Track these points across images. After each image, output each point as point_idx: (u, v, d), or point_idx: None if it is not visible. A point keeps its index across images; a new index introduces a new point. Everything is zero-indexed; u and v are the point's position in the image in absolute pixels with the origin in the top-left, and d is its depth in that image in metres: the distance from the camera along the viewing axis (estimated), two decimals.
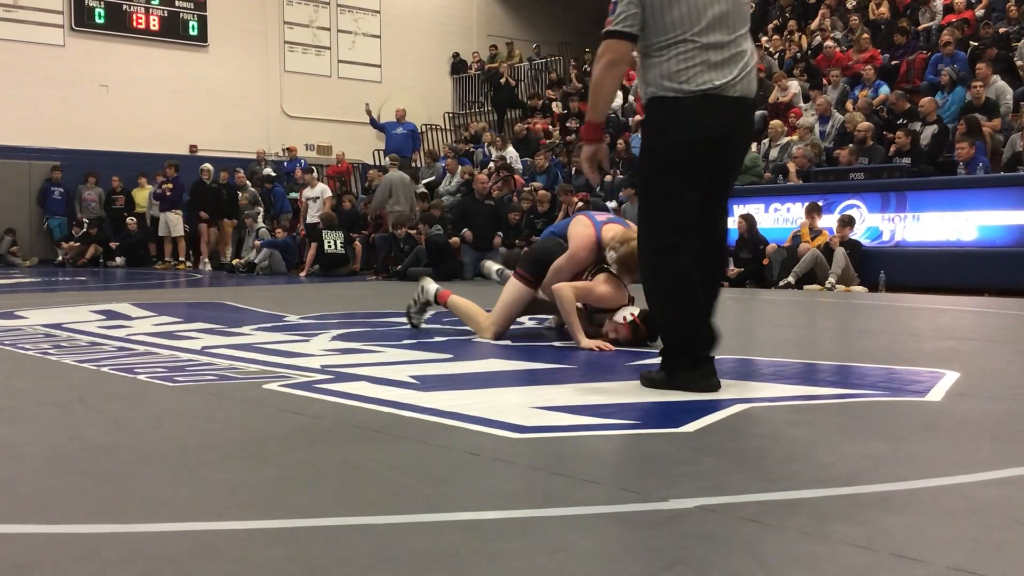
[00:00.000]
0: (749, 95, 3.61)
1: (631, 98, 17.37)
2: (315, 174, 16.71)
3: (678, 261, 3.54)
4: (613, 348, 4.93)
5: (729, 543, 1.84)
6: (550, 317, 5.95)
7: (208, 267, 17.09)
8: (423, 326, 5.90)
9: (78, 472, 2.43)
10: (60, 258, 17.82)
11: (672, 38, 3.49)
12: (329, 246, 14.34)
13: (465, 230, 13.48)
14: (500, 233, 13.48)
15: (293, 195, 17.65)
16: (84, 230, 17.95)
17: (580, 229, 5.31)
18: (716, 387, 3.55)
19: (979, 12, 14.86)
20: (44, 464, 2.53)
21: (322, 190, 15.93)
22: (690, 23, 3.48)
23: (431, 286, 5.72)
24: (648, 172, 3.66)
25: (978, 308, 8.10)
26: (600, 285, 5.11)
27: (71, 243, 17.93)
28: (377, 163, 19.74)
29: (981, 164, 10.97)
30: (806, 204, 11.42)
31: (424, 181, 16.67)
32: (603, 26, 3.63)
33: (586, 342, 4.95)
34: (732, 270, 11.41)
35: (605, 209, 13.10)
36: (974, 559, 1.74)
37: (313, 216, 15.44)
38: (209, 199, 17.33)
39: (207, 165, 17.72)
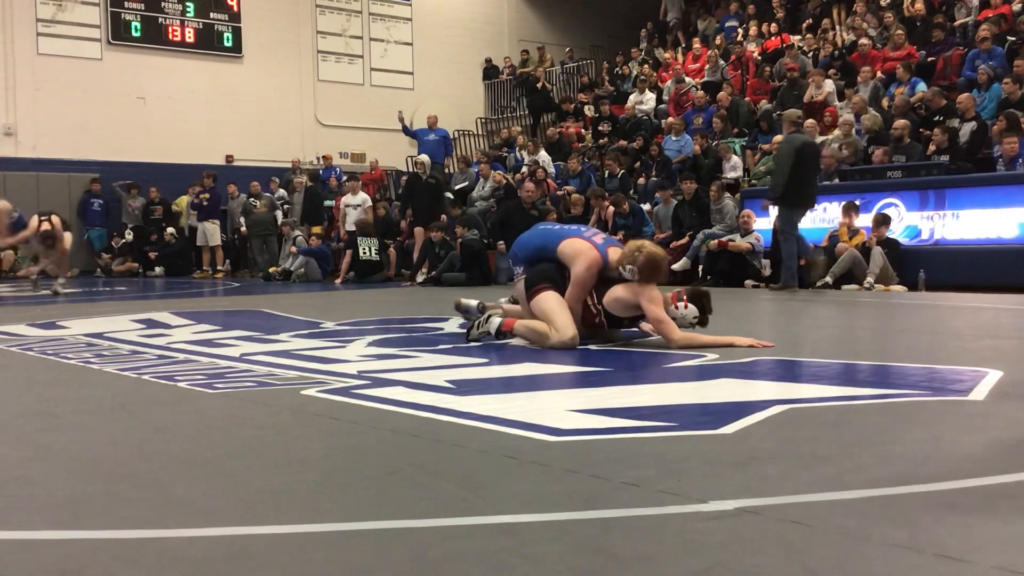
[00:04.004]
0: None
1: (665, 98, 17.30)
2: (358, 182, 16.60)
3: None
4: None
5: (770, 545, 1.82)
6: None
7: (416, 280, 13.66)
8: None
9: (119, 478, 2.46)
10: (101, 269, 18.08)
11: None
12: (364, 253, 14.41)
13: (500, 242, 13.23)
14: None
15: (328, 203, 17.73)
16: (126, 240, 18.19)
17: (583, 249, 5.26)
18: None
19: (1016, 7, 14.60)
20: (86, 471, 2.56)
21: (363, 199, 15.90)
22: None
23: (495, 321, 5.39)
24: None
25: (1020, 306, 7.96)
26: (651, 294, 5.08)
27: (122, 247, 17.99)
28: (410, 170, 19.80)
29: (1021, 160, 10.79)
30: (843, 203, 11.29)
31: (457, 187, 16.71)
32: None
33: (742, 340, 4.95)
34: (768, 271, 11.32)
35: (641, 212, 13.01)
36: (1020, 559, 1.71)
37: (352, 223, 15.45)
38: (425, 198, 14.65)
39: (424, 157, 15.49)
